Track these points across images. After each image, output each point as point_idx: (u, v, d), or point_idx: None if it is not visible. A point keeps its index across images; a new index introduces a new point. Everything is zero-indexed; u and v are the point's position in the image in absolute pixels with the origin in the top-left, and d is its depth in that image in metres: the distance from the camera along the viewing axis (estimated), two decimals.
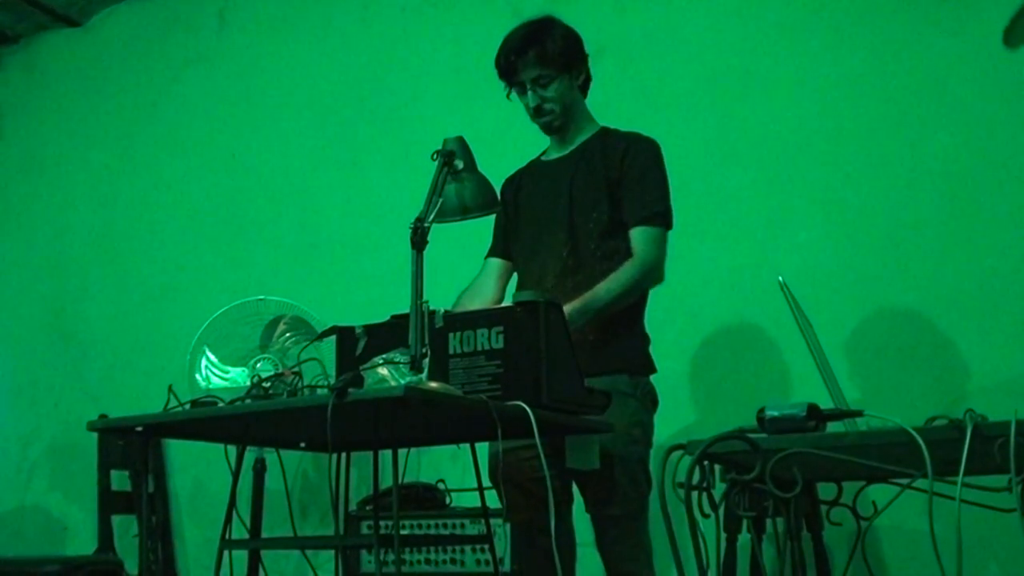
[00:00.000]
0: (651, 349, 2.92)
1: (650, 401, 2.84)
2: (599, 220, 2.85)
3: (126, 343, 5.11)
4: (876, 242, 3.64)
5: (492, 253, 3.11)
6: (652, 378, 2.89)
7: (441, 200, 2.50)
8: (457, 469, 3.70)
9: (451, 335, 2.44)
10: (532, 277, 2.92)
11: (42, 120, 5.66)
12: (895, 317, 3.58)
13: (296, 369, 2.60)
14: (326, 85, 4.88)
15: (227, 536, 2.63)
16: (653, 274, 2.81)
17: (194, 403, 2.59)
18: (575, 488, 2.85)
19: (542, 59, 2.86)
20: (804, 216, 3.77)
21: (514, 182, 3.07)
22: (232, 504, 2.68)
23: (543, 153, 3.08)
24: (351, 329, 2.59)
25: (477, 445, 2.84)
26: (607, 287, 2.73)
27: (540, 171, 3.04)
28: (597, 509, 2.77)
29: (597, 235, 2.84)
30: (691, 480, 2.03)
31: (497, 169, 2.92)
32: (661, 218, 2.83)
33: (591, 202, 2.87)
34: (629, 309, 2.84)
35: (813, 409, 2.12)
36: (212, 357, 4.09)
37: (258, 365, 3.96)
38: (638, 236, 2.82)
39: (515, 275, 3.07)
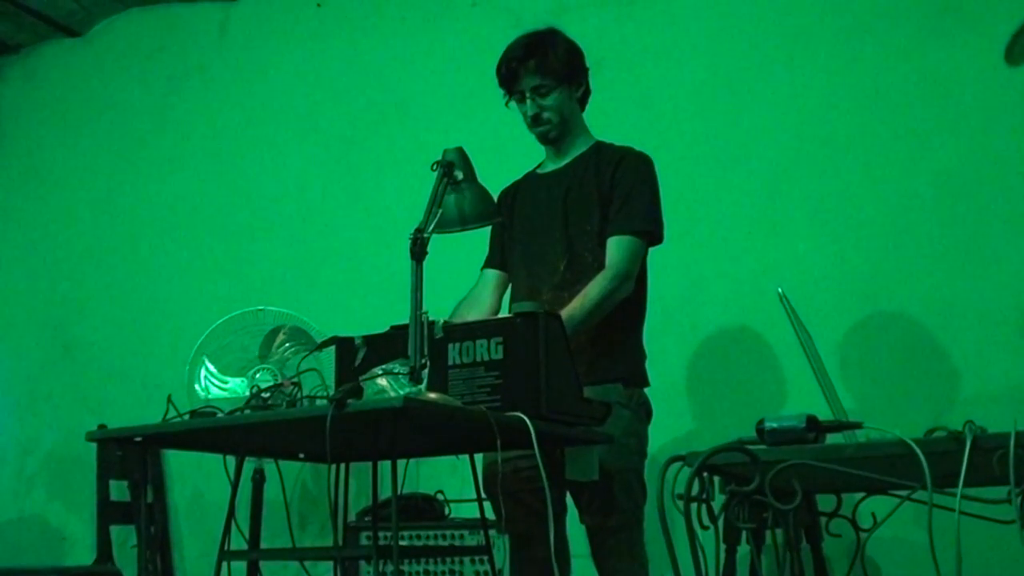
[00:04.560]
0: (650, 359, 2.93)
1: (644, 412, 2.84)
2: (592, 232, 2.85)
3: (125, 353, 5.10)
4: (875, 252, 3.65)
5: (489, 264, 3.11)
6: (650, 388, 2.89)
7: (441, 211, 2.50)
8: (456, 480, 3.69)
9: (450, 346, 2.44)
10: (528, 288, 2.92)
11: (42, 129, 5.67)
12: (894, 328, 3.58)
13: (295, 379, 2.60)
14: (326, 95, 4.89)
15: (226, 547, 2.62)
16: (625, 285, 2.79)
17: (193, 413, 2.59)
18: (569, 498, 2.84)
19: (543, 68, 2.87)
20: (803, 226, 3.77)
21: (509, 194, 3.07)
22: (231, 515, 2.67)
23: (539, 166, 3.09)
24: (350, 339, 2.59)
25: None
26: (581, 303, 2.72)
27: (535, 183, 3.04)
28: (592, 520, 2.77)
29: (592, 247, 2.85)
30: (690, 492, 2.03)
31: (497, 180, 2.92)
32: (642, 233, 2.83)
33: (585, 214, 2.87)
34: (627, 321, 2.85)
35: (812, 421, 2.12)
36: (211, 367, 4.08)
37: (257, 375, 3.95)
38: (613, 246, 2.82)
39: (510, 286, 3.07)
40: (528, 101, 2.90)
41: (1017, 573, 2.83)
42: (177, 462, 4.81)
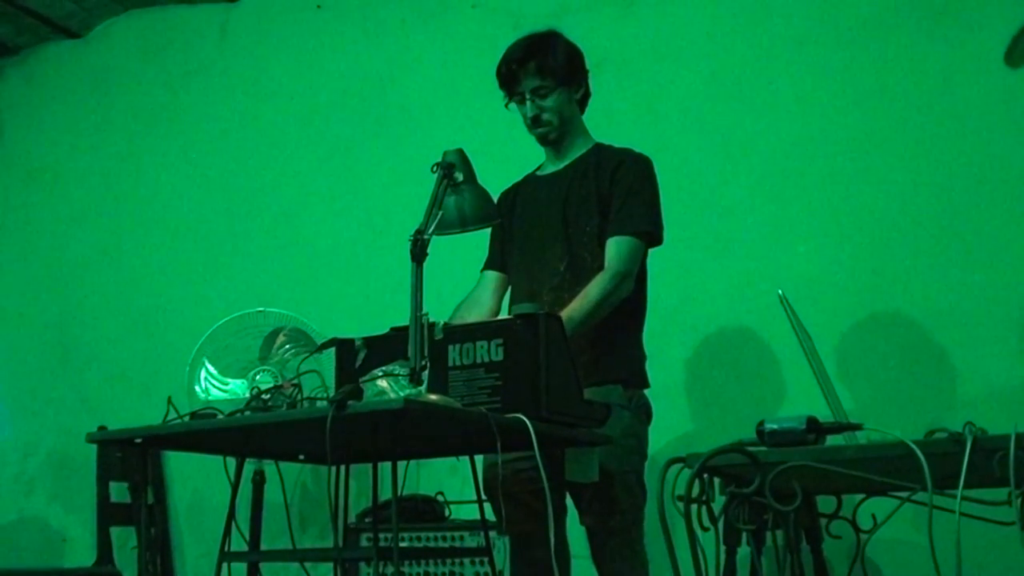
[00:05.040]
0: (650, 360, 2.93)
1: (644, 413, 2.85)
2: (592, 234, 2.86)
3: (126, 355, 5.10)
4: (875, 254, 3.64)
5: (489, 266, 3.11)
6: (650, 388, 2.89)
7: (441, 212, 2.50)
8: (456, 481, 3.70)
9: (451, 347, 2.44)
10: (528, 290, 2.92)
11: (43, 131, 5.67)
12: (894, 329, 3.58)
13: (295, 381, 2.60)
14: (327, 97, 4.89)
15: (226, 548, 2.63)
16: (624, 284, 2.79)
17: (193, 415, 2.59)
18: (569, 499, 2.84)
19: (543, 70, 2.88)
20: (804, 228, 3.77)
21: (509, 196, 3.08)
22: (231, 516, 2.68)
23: (538, 168, 3.09)
24: (350, 341, 2.59)
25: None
26: (581, 304, 2.72)
27: (535, 185, 3.05)
28: (592, 521, 2.77)
29: (592, 248, 2.85)
30: (690, 493, 2.03)
31: (497, 181, 2.93)
32: (641, 233, 2.84)
33: (584, 216, 2.88)
34: (627, 322, 2.85)
35: (812, 422, 2.12)
36: (212, 369, 4.08)
37: (257, 377, 3.95)
38: (612, 246, 2.82)
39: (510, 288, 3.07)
40: (528, 103, 2.90)
41: (1018, 574, 2.83)
42: (177, 464, 4.81)
